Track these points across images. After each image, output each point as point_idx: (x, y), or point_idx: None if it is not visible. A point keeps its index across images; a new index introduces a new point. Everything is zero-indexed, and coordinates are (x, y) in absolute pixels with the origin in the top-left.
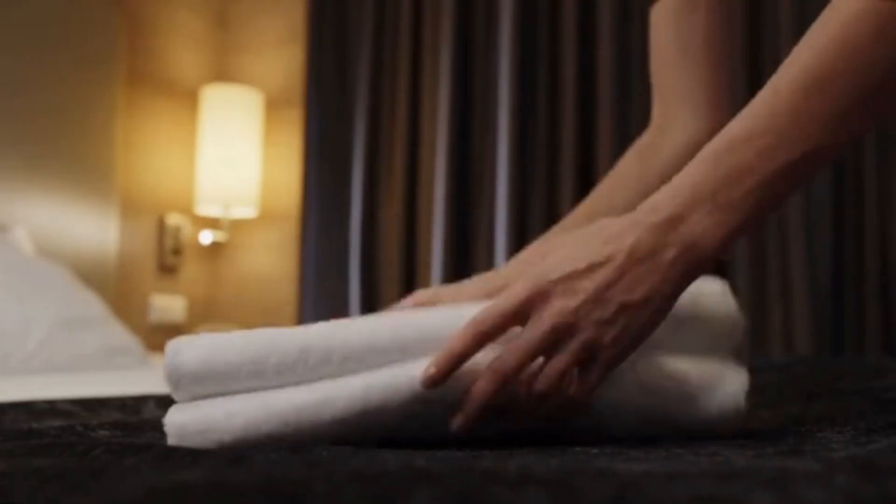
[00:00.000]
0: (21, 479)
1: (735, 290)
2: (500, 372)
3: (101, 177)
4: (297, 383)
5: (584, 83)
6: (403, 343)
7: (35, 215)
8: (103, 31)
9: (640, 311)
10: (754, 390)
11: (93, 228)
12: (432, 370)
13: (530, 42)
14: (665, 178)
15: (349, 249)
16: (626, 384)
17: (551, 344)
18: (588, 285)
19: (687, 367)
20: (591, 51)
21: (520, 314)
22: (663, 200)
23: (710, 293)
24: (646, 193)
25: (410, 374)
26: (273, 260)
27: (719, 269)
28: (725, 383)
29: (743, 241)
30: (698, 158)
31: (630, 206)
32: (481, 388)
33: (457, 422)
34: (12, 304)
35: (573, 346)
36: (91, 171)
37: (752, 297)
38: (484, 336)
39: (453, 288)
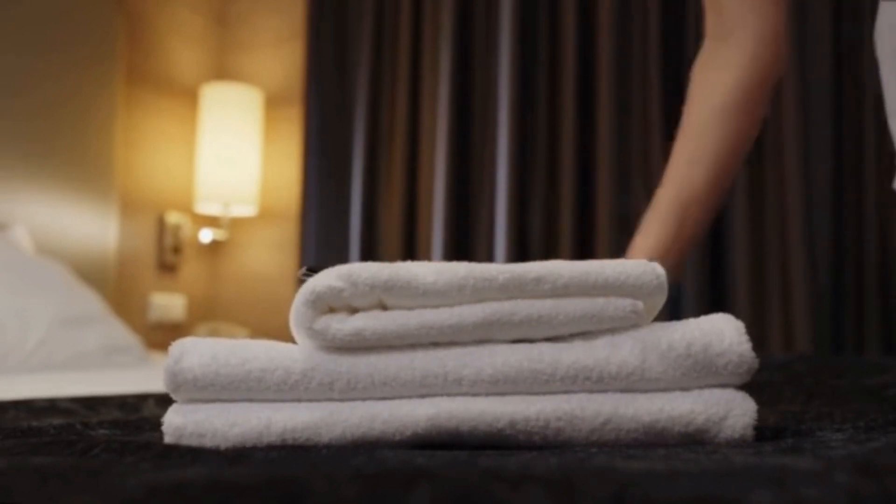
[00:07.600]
0: (21, 478)
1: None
2: None
3: (101, 175)
4: (299, 400)
5: (583, 81)
6: (409, 379)
7: (35, 214)
8: (103, 30)
9: None
10: (754, 388)
11: (92, 227)
12: None
13: (530, 39)
14: (737, 82)
15: (349, 247)
16: (631, 430)
17: None
18: None
19: (693, 408)
20: (591, 48)
21: None
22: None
23: (721, 332)
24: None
25: (415, 411)
26: (273, 258)
27: (720, 270)
28: (732, 415)
29: (742, 240)
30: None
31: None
32: None
33: None
34: (12, 302)
35: None
36: (91, 169)
37: (752, 297)
38: None
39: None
